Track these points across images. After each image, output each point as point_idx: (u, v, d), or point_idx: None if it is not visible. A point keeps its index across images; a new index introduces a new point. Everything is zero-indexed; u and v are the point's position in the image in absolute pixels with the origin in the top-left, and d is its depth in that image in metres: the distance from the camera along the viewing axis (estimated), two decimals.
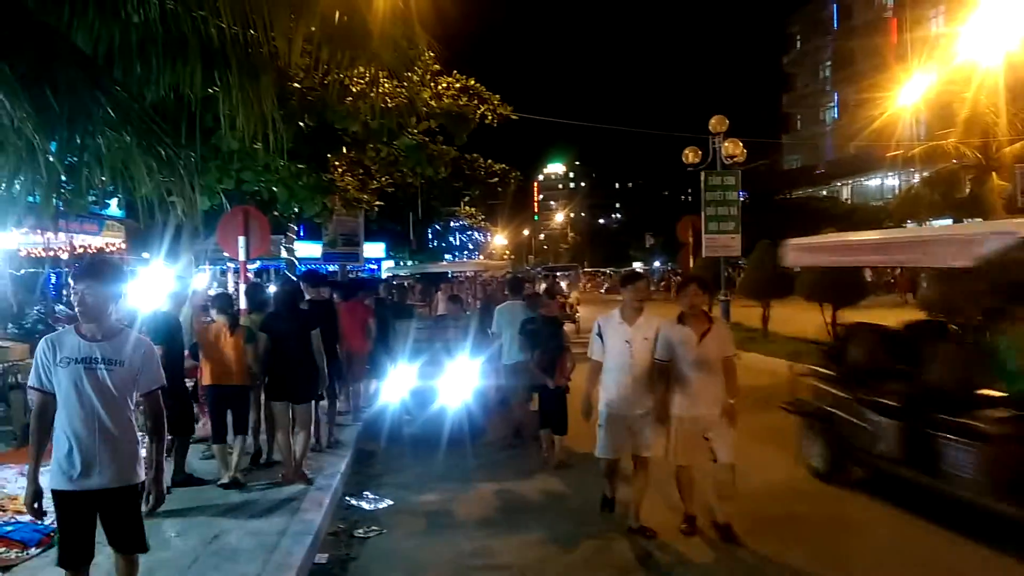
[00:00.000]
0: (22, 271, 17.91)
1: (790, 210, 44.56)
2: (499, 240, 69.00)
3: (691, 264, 21.25)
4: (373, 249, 39.08)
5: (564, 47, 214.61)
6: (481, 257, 54.54)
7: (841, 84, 55.14)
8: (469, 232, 56.53)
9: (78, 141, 4.23)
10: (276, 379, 7.05)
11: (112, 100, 4.18)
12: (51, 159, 3.79)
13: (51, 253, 19.16)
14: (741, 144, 17.60)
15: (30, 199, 4.69)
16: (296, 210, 11.01)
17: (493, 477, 7.54)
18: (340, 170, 14.61)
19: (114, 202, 17.38)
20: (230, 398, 6.94)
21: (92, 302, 3.60)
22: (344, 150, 13.62)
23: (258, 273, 22.72)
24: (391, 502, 6.75)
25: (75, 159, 4.21)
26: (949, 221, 41.71)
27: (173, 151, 4.68)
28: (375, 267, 36.98)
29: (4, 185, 4.01)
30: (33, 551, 5.10)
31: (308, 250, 21.24)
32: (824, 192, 54.28)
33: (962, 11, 31.42)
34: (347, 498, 6.82)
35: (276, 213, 13.38)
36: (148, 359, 3.76)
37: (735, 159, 17.72)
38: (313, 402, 7.22)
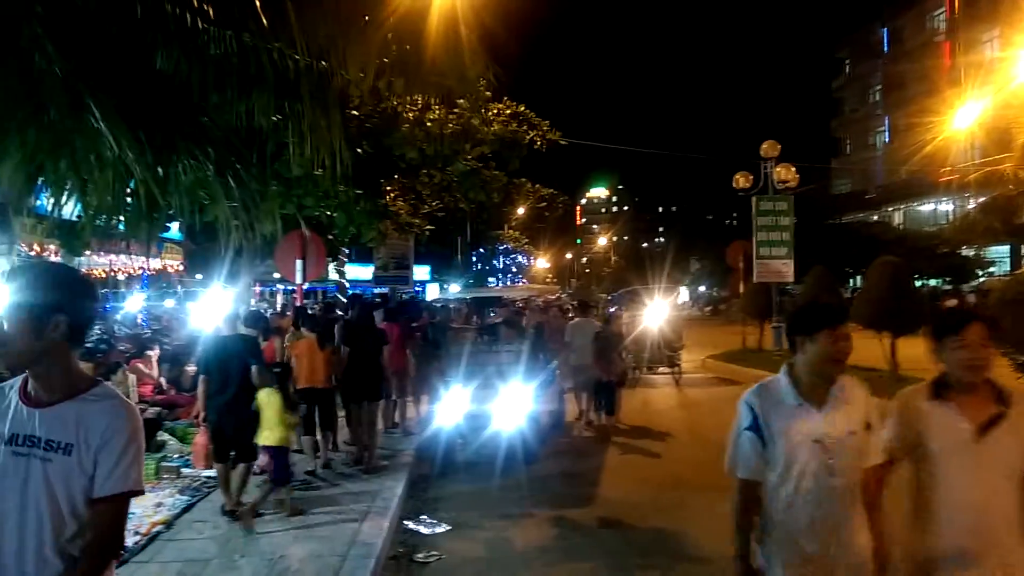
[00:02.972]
0: None
1: (840, 236, 43.80)
2: (541, 263, 69.08)
3: (741, 290, 20.99)
4: (418, 272, 39.53)
5: (611, 71, 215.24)
6: (524, 280, 54.67)
7: (892, 108, 54.26)
8: (512, 256, 56.77)
9: (160, 171, 4.38)
10: (353, 384, 8.51)
11: (195, 129, 4.32)
12: (151, 187, 3.84)
13: (110, 274, 19.80)
14: (794, 169, 17.40)
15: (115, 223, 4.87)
16: (353, 234, 11.20)
17: (549, 504, 7.49)
18: (392, 195, 14.84)
19: (175, 225, 17.92)
20: (319, 398, 8.40)
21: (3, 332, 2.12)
22: (398, 176, 13.86)
23: (306, 295, 23.15)
24: (448, 527, 6.75)
25: (159, 185, 4.36)
26: (1007, 248, 40.76)
27: (250, 176, 4.80)
28: (419, 289, 37.26)
29: (104, 214, 4.08)
30: None
31: (359, 273, 21.52)
32: (875, 217, 53.27)
33: (1018, 34, 30.79)
34: (405, 522, 6.84)
35: (331, 237, 13.62)
36: (113, 441, 2.12)
37: (787, 184, 17.52)
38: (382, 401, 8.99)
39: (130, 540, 5.70)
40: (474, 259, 44.77)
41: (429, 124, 11.20)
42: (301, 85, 5.50)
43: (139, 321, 17.62)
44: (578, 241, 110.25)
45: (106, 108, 3.31)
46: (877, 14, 54.82)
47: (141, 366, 10.47)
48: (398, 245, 15.91)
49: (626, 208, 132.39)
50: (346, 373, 8.53)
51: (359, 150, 10.74)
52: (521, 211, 30.44)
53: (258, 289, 23.78)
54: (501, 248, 47.13)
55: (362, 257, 21.12)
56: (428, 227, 15.55)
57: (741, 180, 18.31)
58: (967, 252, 41.40)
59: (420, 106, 12.35)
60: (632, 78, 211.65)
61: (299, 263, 11.61)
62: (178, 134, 4.15)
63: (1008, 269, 38.46)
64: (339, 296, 17.22)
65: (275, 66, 5.33)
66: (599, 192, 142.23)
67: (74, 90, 3.15)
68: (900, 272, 13.88)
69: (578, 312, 13.09)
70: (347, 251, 18.25)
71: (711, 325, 26.16)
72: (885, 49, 55.65)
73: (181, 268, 21.07)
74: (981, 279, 40.80)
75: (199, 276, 25.66)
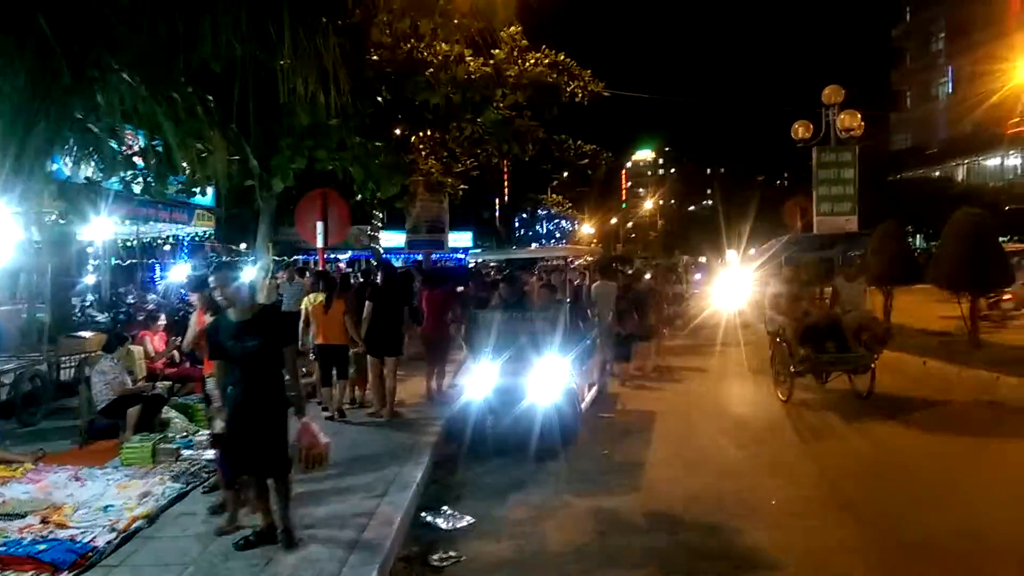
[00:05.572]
0: (127, 262, 18.13)
1: (901, 192, 41.67)
2: (586, 229, 67.59)
3: None
4: (460, 238, 38.72)
5: (657, 25, 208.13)
6: (569, 245, 53.51)
7: (956, 57, 51.10)
8: (556, 220, 55.66)
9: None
10: (373, 340, 8.90)
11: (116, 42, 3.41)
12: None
13: (156, 243, 19.35)
14: (859, 116, 15.91)
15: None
16: (375, 193, 10.30)
17: (588, 490, 6.57)
18: (424, 152, 13.87)
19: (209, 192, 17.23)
20: (336, 354, 8.93)
21: None
22: (427, 130, 12.87)
23: (350, 263, 22.47)
24: (472, 519, 5.87)
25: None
26: None
27: (199, 103, 3.89)
28: (462, 257, 36.53)
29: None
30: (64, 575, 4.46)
31: (393, 239, 20.79)
32: (937, 173, 50.59)
33: None
34: (422, 514, 5.98)
35: (358, 198, 12.74)
36: None
37: (852, 132, 16.05)
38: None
39: (102, 539, 4.95)
40: (516, 224, 43.77)
41: (455, 68, 10.15)
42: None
43: (181, 291, 17.13)
44: (623, 205, 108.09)
45: None
46: None
47: (149, 339, 9.80)
48: (430, 207, 14.97)
49: (672, 171, 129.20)
50: (368, 330, 8.92)
51: (378, 98, 9.80)
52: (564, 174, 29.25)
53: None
54: (544, 213, 45.98)
55: (398, 224, 20.33)
56: (462, 186, 14.54)
57: (801, 130, 16.83)
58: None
59: (453, 57, 11.34)
60: (679, 30, 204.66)
61: (320, 225, 10.79)
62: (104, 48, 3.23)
63: None
64: (372, 262, 16.47)
65: None
66: (645, 155, 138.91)
67: None
68: (983, 226, 12.47)
69: (598, 275, 12.67)
70: (380, 215, 17.45)
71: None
72: None
73: (213, 235, 20.53)
74: None
75: (244, 245, 25.15)
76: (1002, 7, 45.19)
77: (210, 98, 4.54)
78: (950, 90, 53.33)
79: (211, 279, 5.07)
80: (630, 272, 15.07)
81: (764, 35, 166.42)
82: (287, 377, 5.17)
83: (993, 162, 48.04)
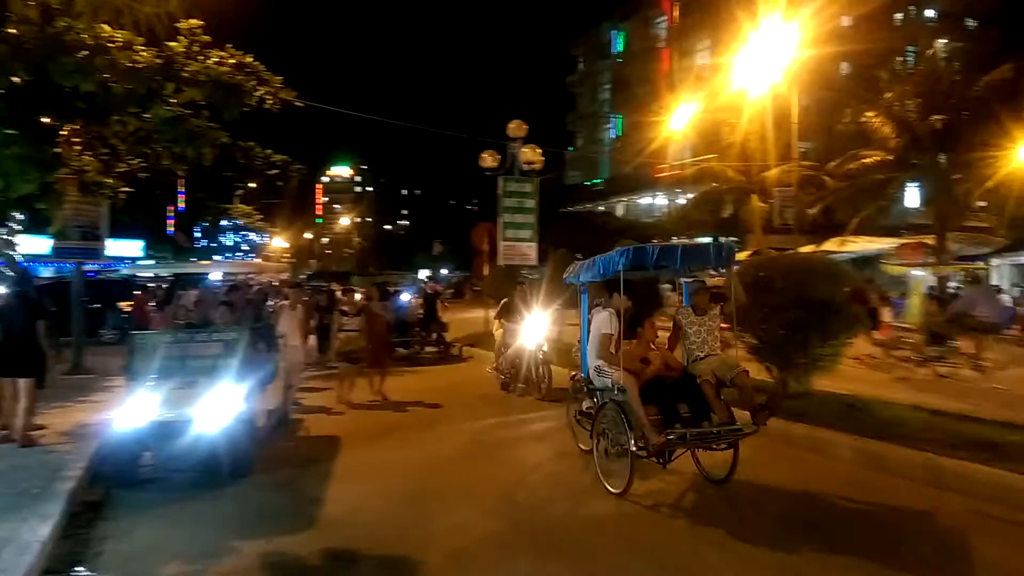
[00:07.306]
0: None
1: (573, 223, 46.13)
2: (278, 243, 64.92)
3: (485, 272, 20.55)
4: (128, 247, 34.76)
5: (353, 54, 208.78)
6: (258, 260, 50.81)
7: (619, 107, 58.24)
8: (244, 233, 52.64)
9: None
10: (2, 357, 8.16)
11: None
12: None
13: None
14: (540, 151, 17.12)
15: None
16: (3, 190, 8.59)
17: (260, 531, 5.92)
18: (77, 148, 11.97)
19: None
20: None
21: None
22: (82, 121, 11.13)
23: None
24: None
25: None
26: (709, 239, 45.45)
27: None
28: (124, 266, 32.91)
29: None
30: None
31: (35, 245, 17.85)
32: (602, 207, 56.96)
33: (729, 44, 34.01)
34: None
35: None
36: None
37: (533, 165, 17.20)
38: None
39: None
40: (198, 234, 40.46)
41: (116, 53, 8.90)
42: None
43: None
44: (318, 220, 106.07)
45: None
46: (608, 15, 58.43)
47: None
48: (85, 210, 13.00)
49: (369, 189, 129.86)
50: None
51: (14, 78, 8.24)
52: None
53: None
54: (229, 224, 43.11)
55: (44, 227, 17.48)
56: (125, 189, 12.79)
57: (488, 159, 17.67)
58: (679, 242, 45.55)
59: (119, 43, 9.92)
60: (372, 59, 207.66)
61: None
62: None
63: None
64: (4, 272, 13.89)
65: None
66: (341, 171, 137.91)
67: None
68: None
69: (277, 296, 13.07)
70: (16, 216, 14.85)
71: (456, 308, 25.20)
72: (614, 50, 59.49)
73: None
74: None
75: None
76: (655, 68, 52.52)
77: None
78: (613, 135, 60.52)
79: None
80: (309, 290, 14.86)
81: (460, 66, 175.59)
82: None
83: (646, 200, 55.31)
